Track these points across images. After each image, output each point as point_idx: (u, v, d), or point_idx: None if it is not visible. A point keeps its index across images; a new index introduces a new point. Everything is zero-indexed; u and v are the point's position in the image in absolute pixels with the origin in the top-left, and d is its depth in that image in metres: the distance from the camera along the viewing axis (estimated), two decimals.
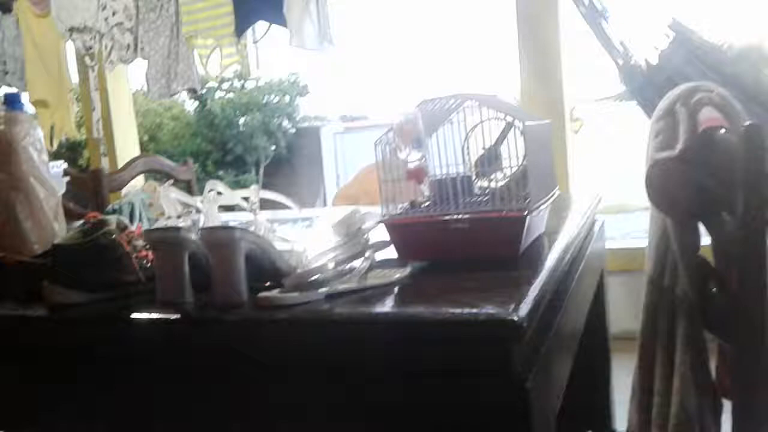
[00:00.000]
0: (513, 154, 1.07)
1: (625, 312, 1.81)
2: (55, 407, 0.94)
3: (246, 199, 0.97)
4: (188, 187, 2.43)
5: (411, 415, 0.75)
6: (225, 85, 9.61)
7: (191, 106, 10.10)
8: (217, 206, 0.94)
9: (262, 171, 9.69)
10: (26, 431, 1.01)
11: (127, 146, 3.62)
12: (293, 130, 9.84)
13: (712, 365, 1.16)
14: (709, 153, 1.00)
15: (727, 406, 1.11)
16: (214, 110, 9.52)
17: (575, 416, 1.39)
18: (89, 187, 2.25)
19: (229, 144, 9.65)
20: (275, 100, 9.70)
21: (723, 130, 0.99)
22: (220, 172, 9.64)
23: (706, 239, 1.12)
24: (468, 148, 1.06)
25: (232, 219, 1.05)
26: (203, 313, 0.86)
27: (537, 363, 0.76)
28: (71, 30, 2.98)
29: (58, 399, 0.93)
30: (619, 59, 2.26)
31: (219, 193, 0.95)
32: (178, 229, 0.87)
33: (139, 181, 2.67)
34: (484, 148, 1.05)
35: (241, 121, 9.52)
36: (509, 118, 1.00)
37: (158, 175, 2.66)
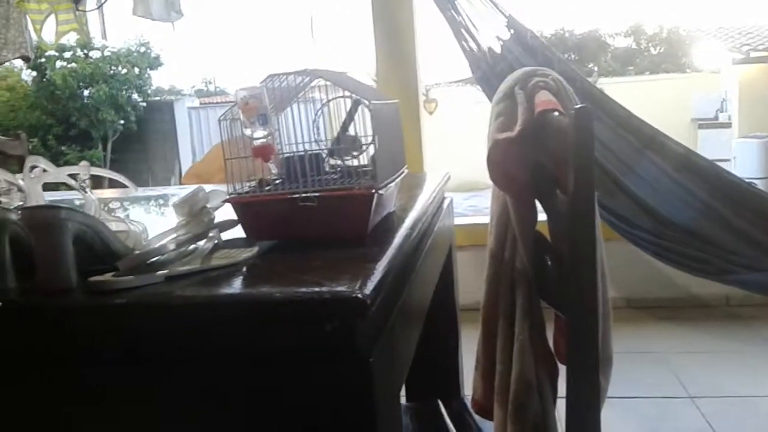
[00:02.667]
0: (361, 133, 1.08)
1: (472, 285, 1.90)
2: None
3: (74, 176, 0.90)
4: (20, 163, 2.23)
5: (257, 397, 0.74)
6: (67, 54, 8.91)
7: (29, 76, 9.28)
8: (41, 184, 0.87)
9: (110, 146, 9.12)
10: None
11: None
12: (144, 104, 9.34)
13: (549, 334, 1.24)
14: (544, 134, 1.05)
15: (562, 370, 1.19)
16: (56, 81, 8.81)
17: (425, 386, 1.43)
18: None
19: (72, 117, 8.98)
20: (124, 72, 9.14)
21: (557, 113, 1.04)
22: (63, 148, 8.97)
23: (543, 216, 1.19)
24: (318, 125, 1.05)
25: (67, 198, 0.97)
26: (27, 299, 0.79)
27: (381, 340, 0.77)
28: None
29: None
30: (466, 46, 2.34)
31: (43, 170, 0.87)
32: None
33: None
34: (334, 126, 1.05)
35: (86, 93, 8.89)
36: (356, 96, 1.00)
37: None
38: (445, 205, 1.53)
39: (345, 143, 1.12)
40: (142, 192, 1.35)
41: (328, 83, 1.00)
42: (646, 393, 2.54)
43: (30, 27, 2.67)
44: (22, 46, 2.67)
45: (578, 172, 0.95)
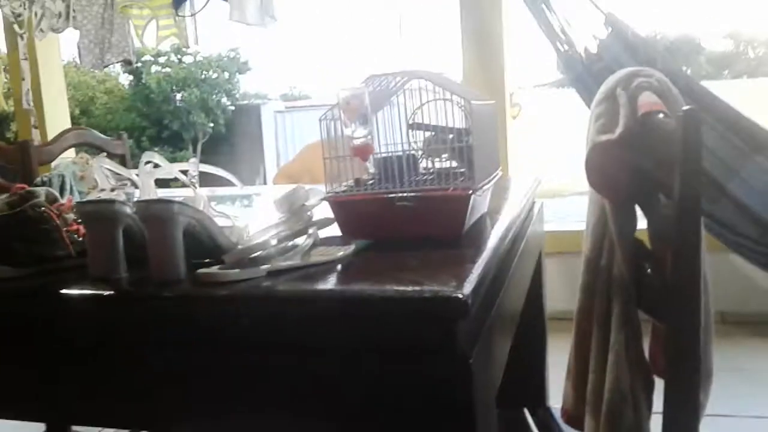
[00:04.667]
0: (458, 134, 1.07)
1: (558, 293, 1.86)
2: None
3: (184, 172, 0.94)
4: (122, 163, 2.35)
5: (354, 392, 0.75)
6: (161, 59, 9.32)
7: (126, 79, 9.76)
8: (154, 179, 0.91)
9: (199, 148, 9.48)
10: None
11: (58, 119, 3.47)
12: (232, 108, 9.65)
13: (646, 344, 1.20)
14: (647, 137, 1.02)
15: (659, 384, 1.15)
16: (150, 85, 9.23)
17: (512, 394, 1.41)
18: (17, 160, 2.14)
19: (165, 120, 9.38)
20: (214, 76, 9.48)
21: (661, 115, 1.01)
22: (156, 149, 9.37)
23: (642, 223, 1.15)
24: (414, 126, 1.06)
25: (170, 194, 1.01)
26: (139, 289, 0.83)
27: (480, 340, 0.76)
28: None
29: None
30: (561, 47, 2.29)
31: (156, 166, 0.91)
32: (112, 201, 0.84)
33: (69, 154, 2.56)
34: (430, 127, 1.05)
35: (178, 96, 9.27)
36: (456, 97, 0.99)
37: (89, 149, 2.56)
38: (536, 209, 1.50)
39: (435, 143, 1.12)
40: (241, 190, 1.39)
41: (426, 84, 1.01)
42: (743, 412, 2.41)
43: (132, 32, 2.80)
44: (124, 50, 2.81)
45: (685, 176, 0.92)
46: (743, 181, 2.22)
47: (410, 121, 1.05)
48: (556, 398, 1.64)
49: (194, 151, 9.48)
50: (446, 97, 0.97)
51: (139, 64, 8.89)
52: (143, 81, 9.45)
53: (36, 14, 2.85)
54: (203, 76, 9.50)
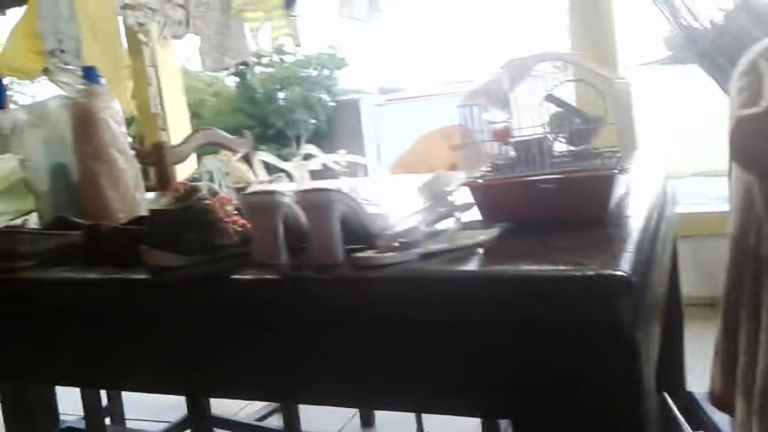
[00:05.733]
0: (596, 114, 1.06)
1: (690, 276, 1.79)
2: (155, 367, 0.97)
3: (336, 163, 0.98)
4: (246, 159, 2.46)
5: (511, 372, 0.76)
6: (264, 60, 9.64)
7: (231, 81, 10.16)
8: (308, 170, 0.96)
9: (303, 144, 9.74)
10: (123, 389, 1.05)
11: (179, 121, 3.68)
12: (333, 104, 9.84)
13: None
14: None
15: None
16: (254, 85, 9.56)
17: (658, 378, 1.38)
18: (151, 161, 2.29)
19: (270, 119, 9.69)
20: (314, 74, 9.70)
21: None
22: (262, 147, 9.72)
23: None
24: (550, 98, 1.05)
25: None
26: (301, 273, 0.88)
27: (641, 318, 0.76)
28: (124, 7, 3.02)
29: (160, 359, 0.96)
30: (683, 21, 2.20)
31: (310, 156, 0.96)
32: (273, 192, 0.89)
33: (193, 155, 2.70)
34: (565, 104, 1.04)
35: (281, 95, 9.55)
36: (592, 76, 0.99)
37: (214, 148, 2.69)
38: (669, 190, 1.46)
39: (576, 125, 1.11)
40: (374, 179, 1.44)
41: (561, 64, 1.00)
42: None
43: (248, 34, 2.92)
44: (241, 52, 2.94)
45: None
46: None
47: (546, 104, 1.05)
48: (692, 385, 1.59)
49: (298, 147, 9.74)
50: (582, 77, 0.97)
51: (252, 65, 9.22)
52: (248, 82, 9.79)
53: (159, 23, 3.03)
54: (304, 74, 9.72)
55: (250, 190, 1.02)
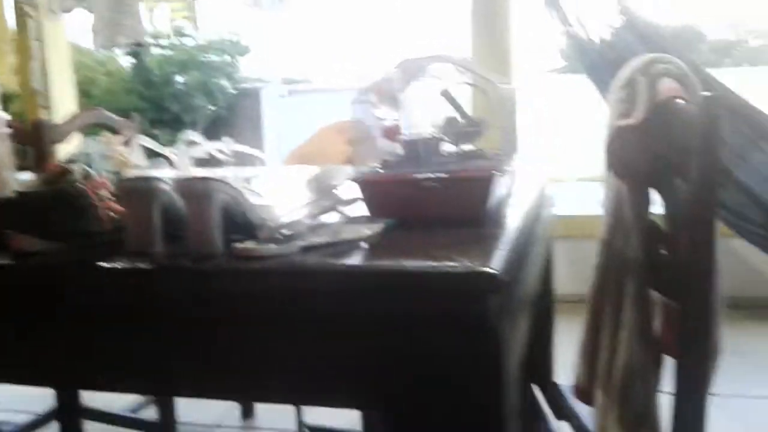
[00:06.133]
0: (481, 116, 1.10)
1: (563, 275, 1.89)
2: (21, 355, 0.92)
3: (220, 151, 0.96)
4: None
5: (384, 363, 0.78)
6: (163, 42, 9.29)
7: (127, 61, 9.73)
8: (192, 158, 0.93)
9: (200, 131, 9.48)
10: None
11: (64, 100, 3.48)
12: (233, 91, 9.63)
13: (657, 325, 1.23)
14: (667, 122, 1.04)
15: (669, 364, 1.18)
16: (151, 67, 9.20)
17: (524, 370, 1.45)
18: (29, 139, 2.16)
19: (165, 102, 9.36)
20: (215, 59, 9.44)
21: (681, 101, 1.03)
22: (156, 131, 9.37)
23: (658, 207, 1.18)
24: (445, 95, 1.08)
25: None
26: (176, 262, 0.86)
27: (508, 317, 0.79)
28: None
29: (25, 347, 0.91)
30: (575, 35, 2.31)
31: (193, 143, 0.94)
32: (150, 178, 0.86)
33: (77, 135, 2.57)
34: (454, 110, 1.07)
35: (179, 79, 9.24)
36: (481, 81, 1.02)
37: (100, 129, 2.57)
38: (547, 192, 1.53)
39: (459, 125, 1.14)
40: (264, 170, 1.42)
41: (451, 67, 1.03)
42: (748, 393, 2.46)
43: (144, 14, 2.81)
44: (135, 32, 2.82)
45: (704, 161, 0.95)
46: (750, 168, 2.26)
47: (436, 105, 1.08)
48: (562, 377, 1.68)
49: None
50: (472, 80, 1.00)
51: (145, 45, 8.84)
52: (144, 63, 9.40)
53: None
54: (204, 59, 9.44)
55: (128, 175, 0.98)
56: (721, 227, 2.57)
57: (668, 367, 1.17)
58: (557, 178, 1.80)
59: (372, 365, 0.78)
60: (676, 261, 1.09)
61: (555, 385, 1.64)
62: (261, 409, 2.35)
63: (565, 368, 1.46)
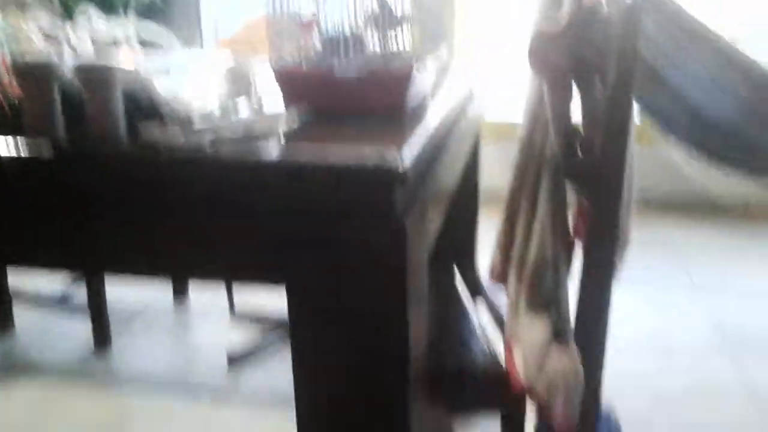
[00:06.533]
0: (401, 9, 1.07)
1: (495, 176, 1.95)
2: None
3: (123, 31, 0.91)
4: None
5: (295, 254, 0.79)
6: None
7: None
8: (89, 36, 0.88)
9: (131, 15, 8.97)
10: None
11: None
12: None
13: (570, 219, 1.28)
14: (590, 26, 1.05)
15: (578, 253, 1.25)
16: None
17: (446, 256, 1.52)
18: None
19: None
20: None
21: (605, 6, 1.04)
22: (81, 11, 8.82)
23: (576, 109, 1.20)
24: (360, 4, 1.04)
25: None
26: (77, 147, 0.83)
27: (415, 207, 0.81)
28: None
29: None
30: None
31: (92, 22, 0.88)
32: (48, 61, 0.82)
33: None
34: (376, 5, 1.04)
35: None
36: None
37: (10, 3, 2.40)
38: (476, 92, 1.53)
39: (384, 18, 1.11)
40: (180, 56, 1.36)
41: None
42: (654, 280, 2.63)
43: None
44: None
45: (621, 60, 0.96)
46: (679, 70, 2.29)
47: None
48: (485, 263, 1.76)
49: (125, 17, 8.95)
50: None
51: None
52: None
53: None
54: None
55: (25, 56, 0.92)
56: (650, 131, 2.65)
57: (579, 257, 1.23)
58: (490, 80, 1.80)
59: (279, 255, 0.79)
60: (589, 158, 1.12)
61: (476, 272, 1.73)
62: (193, 297, 2.38)
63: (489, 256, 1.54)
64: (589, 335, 1.16)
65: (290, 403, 0.82)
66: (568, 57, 1.11)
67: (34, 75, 0.81)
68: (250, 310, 2.12)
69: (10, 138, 0.82)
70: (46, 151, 0.81)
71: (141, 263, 0.87)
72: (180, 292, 2.32)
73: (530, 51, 1.14)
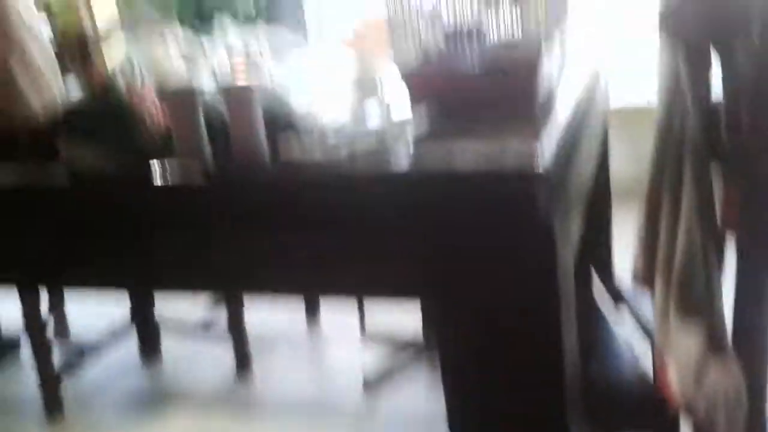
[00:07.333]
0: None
1: (620, 165, 1.85)
2: (83, 264, 0.96)
3: (255, 42, 0.94)
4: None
5: (440, 263, 0.78)
6: None
7: None
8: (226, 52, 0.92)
9: (261, 23, 9.36)
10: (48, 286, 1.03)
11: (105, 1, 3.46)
12: None
13: (718, 206, 1.19)
14: None
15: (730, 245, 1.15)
16: None
17: (585, 260, 1.45)
18: (73, 55, 2.16)
19: None
20: None
21: None
22: (196, 22, 9.30)
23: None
24: None
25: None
26: (223, 169, 0.86)
27: (559, 206, 0.78)
28: None
29: (88, 256, 0.95)
30: None
31: (226, 34, 0.92)
32: (192, 87, 0.86)
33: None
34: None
35: None
36: None
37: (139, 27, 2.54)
38: (602, 81, 1.47)
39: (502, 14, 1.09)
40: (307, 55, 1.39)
41: None
42: None
43: None
44: None
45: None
46: None
47: None
48: (623, 262, 1.67)
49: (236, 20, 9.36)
50: None
51: None
52: None
53: None
54: None
55: (169, 83, 0.98)
56: None
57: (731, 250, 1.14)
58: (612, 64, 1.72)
59: (427, 259, 0.78)
60: (737, 137, 1.04)
61: (612, 271, 1.64)
62: (325, 319, 2.41)
63: (627, 254, 1.45)
64: (750, 343, 1.05)
65: (432, 425, 0.79)
66: (706, 18, 1.03)
67: (180, 102, 0.85)
68: (381, 330, 2.13)
69: (161, 163, 0.87)
70: (197, 178, 0.85)
71: (282, 281, 0.89)
72: (312, 313, 2.36)
73: (662, 14, 1.07)
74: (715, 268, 1.18)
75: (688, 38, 1.03)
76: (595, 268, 1.51)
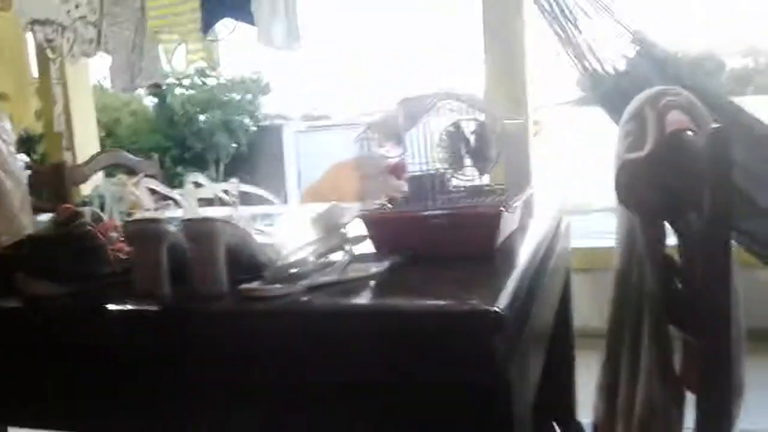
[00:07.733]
0: (489, 152, 1.10)
1: (587, 309, 1.86)
2: (29, 400, 0.92)
3: (226, 192, 0.97)
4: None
5: (392, 403, 0.76)
6: (185, 82, 9.48)
7: (150, 101, 9.93)
8: (197, 199, 0.94)
9: (222, 169, 9.60)
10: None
11: (87, 141, 3.55)
12: (255, 128, 9.77)
13: (677, 359, 1.20)
14: (676, 155, 1.03)
15: (690, 399, 1.15)
16: (174, 106, 9.39)
17: (542, 408, 1.42)
18: (50, 182, 2.20)
19: (188, 141, 9.52)
20: (237, 98, 9.62)
21: (690, 133, 1.02)
22: (179, 169, 9.50)
23: (672, 239, 1.16)
24: (445, 145, 1.08)
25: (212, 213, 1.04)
26: (183, 304, 0.86)
27: (516, 354, 0.78)
28: (33, 22, 2.91)
29: (34, 392, 0.91)
30: (588, 65, 2.31)
31: (199, 185, 0.95)
32: (157, 220, 0.87)
33: (98, 176, 2.62)
34: (460, 145, 1.07)
35: (202, 118, 9.41)
36: (486, 116, 1.02)
37: (120, 169, 2.62)
38: (563, 226, 1.52)
39: (466, 161, 1.14)
40: (276, 209, 1.43)
41: (457, 104, 1.03)
42: None
43: (162, 56, 2.87)
44: (154, 74, 2.88)
45: (715, 193, 0.93)
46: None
47: (441, 141, 1.08)
48: (584, 414, 1.64)
49: (217, 171, 9.59)
50: (477, 116, 1.00)
51: (164, 87, 9.03)
52: (167, 103, 9.60)
53: (68, 40, 2.93)
54: (226, 98, 9.62)
55: (134, 217, 0.99)
56: (748, 257, 2.52)
57: (691, 403, 1.13)
58: (575, 209, 1.78)
59: (376, 405, 0.77)
60: (691, 295, 1.07)
61: (577, 424, 1.60)
62: None
63: (587, 404, 1.42)
64: None
65: None
66: (656, 186, 1.09)
67: (144, 235, 0.86)
68: None
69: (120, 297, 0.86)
70: (155, 313, 0.84)
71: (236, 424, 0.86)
72: None
73: (617, 182, 1.13)
74: (675, 424, 1.18)
75: (640, 211, 1.08)
76: (556, 419, 1.49)
